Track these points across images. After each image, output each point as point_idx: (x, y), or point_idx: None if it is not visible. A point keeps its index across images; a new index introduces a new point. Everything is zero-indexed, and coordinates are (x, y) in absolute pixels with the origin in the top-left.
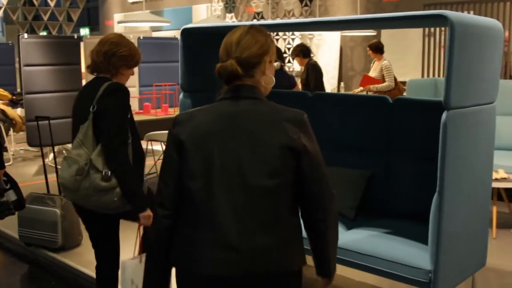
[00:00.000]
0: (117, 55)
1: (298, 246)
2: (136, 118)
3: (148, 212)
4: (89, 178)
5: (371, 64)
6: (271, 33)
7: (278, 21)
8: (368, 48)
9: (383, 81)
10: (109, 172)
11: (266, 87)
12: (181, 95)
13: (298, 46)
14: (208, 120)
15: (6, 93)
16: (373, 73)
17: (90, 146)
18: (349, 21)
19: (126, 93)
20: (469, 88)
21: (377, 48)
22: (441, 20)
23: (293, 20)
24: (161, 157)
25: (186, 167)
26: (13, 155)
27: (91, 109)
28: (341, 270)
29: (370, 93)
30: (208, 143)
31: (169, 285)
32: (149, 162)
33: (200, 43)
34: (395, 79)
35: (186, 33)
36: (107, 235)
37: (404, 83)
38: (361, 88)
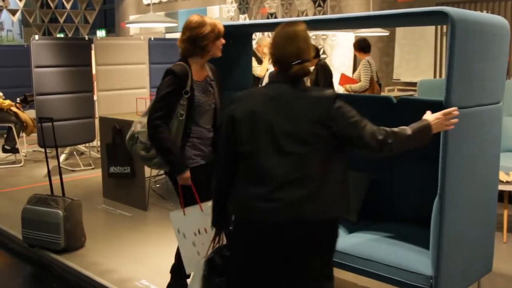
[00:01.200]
0: (198, 37)
1: (330, 199)
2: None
3: (185, 174)
4: (136, 145)
5: None
6: None
7: (288, 19)
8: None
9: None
10: (150, 144)
11: None
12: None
13: None
14: (257, 99)
15: (7, 102)
16: (357, 72)
17: None
18: (345, 19)
19: (175, 76)
20: (471, 87)
21: (360, 47)
22: (442, 18)
23: (297, 18)
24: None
25: (238, 135)
26: (25, 156)
27: None
28: (344, 274)
29: (346, 92)
30: (255, 117)
31: (229, 220)
32: None
33: None
34: (372, 79)
35: None
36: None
37: (415, 84)
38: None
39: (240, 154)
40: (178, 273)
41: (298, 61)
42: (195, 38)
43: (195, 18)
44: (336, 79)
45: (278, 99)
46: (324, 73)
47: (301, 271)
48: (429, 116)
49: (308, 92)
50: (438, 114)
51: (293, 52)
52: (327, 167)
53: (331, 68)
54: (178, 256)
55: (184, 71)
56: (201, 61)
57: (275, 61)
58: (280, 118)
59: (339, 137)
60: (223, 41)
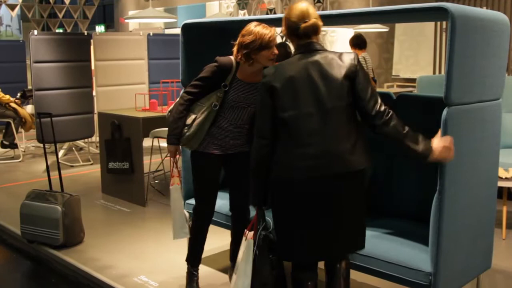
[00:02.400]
0: (243, 45)
1: (364, 150)
2: (142, 115)
3: (170, 147)
4: None
5: None
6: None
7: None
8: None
9: None
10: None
11: None
12: (181, 91)
13: None
14: (292, 68)
15: (7, 96)
16: None
17: None
18: (345, 15)
19: (216, 66)
20: (471, 83)
21: (355, 44)
22: (442, 13)
23: None
24: (168, 155)
25: (278, 104)
26: (23, 151)
27: None
28: None
29: None
30: (294, 84)
31: (268, 197)
32: (156, 159)
33: (200, 38)
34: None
35: (186, 28)
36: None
37: (415, 80)
38: None
39: (282, 121)
40: (189, 261)
41: (304, 21)
42: (241, 45)
43: (248, 25)
44: None
45: (310, 63)
46: None
47: (340, 220)
48: (436, 143)
49: (333, 53)
50: (447, 143)
51: (299, 17)
52: (356, 122)
53: None
54: (188, 245)
55: (228, 65)
56: (249, 68)
57: (288, 35)
58: (317, 79)
59: (354, 95)
60: (275, 51)
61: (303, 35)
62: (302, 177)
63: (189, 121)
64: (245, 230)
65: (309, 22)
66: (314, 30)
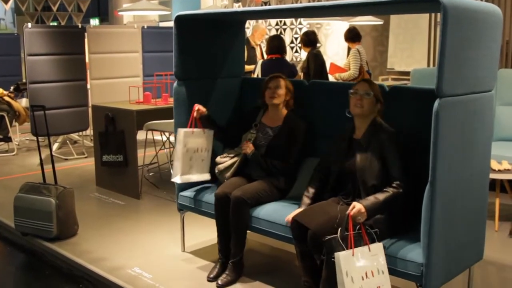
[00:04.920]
0: None
1: None
2: (136, 107)
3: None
4: None
5: None
6: (278, 21)
7: (282, 6)
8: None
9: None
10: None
11: None
12: (175, 84)
13: (302, 34)
14: None
15: (0, 90)
16: (346, 61)
17: None
18: (338, 7)
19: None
20: (463, 75)
21: (349, 37)
22: (435, 5)
23: (291, 5)
24: (162, 147)
25: None
26: (17, 145)
27: None
28: None
29: (336, 81)
30: None
31: None
32: (150, 152)
33: (194, 30)
34: (361, 67)
35: (179, 20)
36: None
37: (409, 73)
38: None
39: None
40: (221, 252)
41: None
42: None
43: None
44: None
45: None
46: (315, 62)
47: None
48: None
49: None
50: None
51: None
52: None
53: (325, 57)
54: (219, 240)
55: (256, 108)
56: (268, 111)
57: None
58: None
59: None
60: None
61: None
62: None
63: (229, 163)
64: (367, 245)
65: None
66: None
